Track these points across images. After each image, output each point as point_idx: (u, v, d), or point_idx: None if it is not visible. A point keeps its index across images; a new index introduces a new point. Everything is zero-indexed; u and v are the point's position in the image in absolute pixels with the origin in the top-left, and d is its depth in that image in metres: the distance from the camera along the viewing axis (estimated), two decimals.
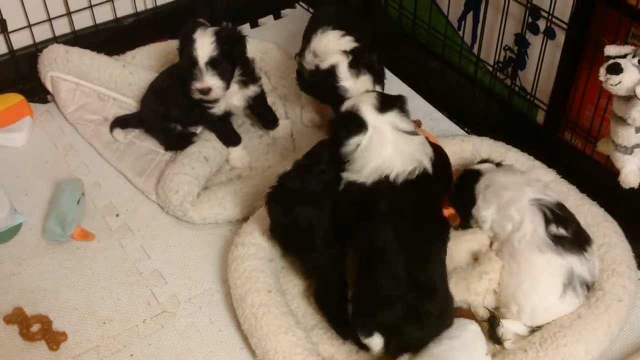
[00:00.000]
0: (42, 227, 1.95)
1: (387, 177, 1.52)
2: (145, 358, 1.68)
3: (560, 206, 1.67)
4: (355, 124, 1.56)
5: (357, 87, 1.88)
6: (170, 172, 2.01)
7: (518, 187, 1.68)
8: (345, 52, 1.91)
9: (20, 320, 1.73)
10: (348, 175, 1.58)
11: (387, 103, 1.59)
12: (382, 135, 1.56)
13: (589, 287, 1.64)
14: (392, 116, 1.58)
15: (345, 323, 1.64)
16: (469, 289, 1.65)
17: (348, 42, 1.94)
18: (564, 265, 1.59)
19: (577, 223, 1.68)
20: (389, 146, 1.55)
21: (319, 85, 1.96)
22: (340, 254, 1.68)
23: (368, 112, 1.57)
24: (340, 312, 1.65)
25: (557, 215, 1.63)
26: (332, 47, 1.93)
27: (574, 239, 1.62)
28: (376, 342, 1.52)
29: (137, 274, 1.86)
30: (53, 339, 1.70)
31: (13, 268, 1.87)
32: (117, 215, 2.02)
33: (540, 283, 1.59)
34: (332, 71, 1.90)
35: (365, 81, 1.91)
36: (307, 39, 2.08)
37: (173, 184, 1.97)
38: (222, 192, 1.99)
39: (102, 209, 2.03)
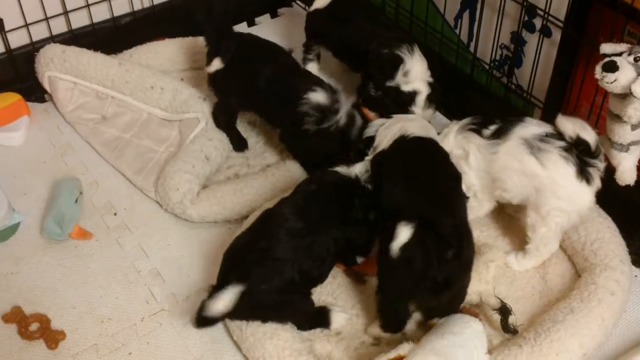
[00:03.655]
0: (40, 226, 1.96)
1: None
2: (144, 356, 1.69)
3: (474, 117, 1.85)
4: None
5: (425, 115, 2.13)
6: (170, 170, 2.01)
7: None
8: (428, 84, 2.11)
9: (18, 319, 1.73)
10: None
11: None
12: None
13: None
14: None
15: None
16: (479, 279, 1.68)
17: (429, 75, 2.12)
18: (517, 142, 1.70)
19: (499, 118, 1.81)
20: None
21: (392, 103, 2.10)
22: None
23: None
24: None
25: (480, 122, 1.80)
26: (422, 75, 2.10)
27: (504, 122, 1.76)
28: (405, 232, 1.49)
29: (135, 273, 1.87)
30: (51, 337, 1.70)
31: (11, 267, 1.87)
32: (115, 214, 2.02)
33: (513, 165, 1.71)
34: (412, 96, 2.10)
35: (429, 113, 2.16)
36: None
37: (173, 181, 1.98)
38: (221, 191, 2.00)
39: (100, 208, 2.04)
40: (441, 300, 1.57)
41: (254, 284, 1.57)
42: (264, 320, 1.64)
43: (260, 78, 2.00)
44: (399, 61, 2.09)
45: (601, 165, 1.67)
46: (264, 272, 1.58)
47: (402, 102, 2.10)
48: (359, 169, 1.73)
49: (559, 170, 1.65)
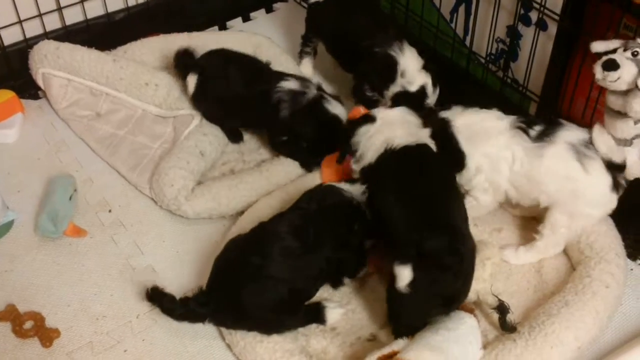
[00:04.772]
0: (34, 224, 1.95)
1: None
2: (139, 353, 1.68)
3: (519, 116, 1.78)
4: None
5: (432, 101, 2.11)
6: (165, 166, 2.00)
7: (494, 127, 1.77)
8: (425, 69, 2.08)
9: (13, 317, 1.73)
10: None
11: None
12: None
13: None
14: None
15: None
16: (476, 277, 1.66)
17: (420, 60, 2.10)
18: (564, 147, 1.67)
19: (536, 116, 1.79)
20: None
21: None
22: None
23: None
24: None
25: (526, 122, 1.74)
26: (417, 66, 2.08)
27: (547, 124, 1.73)
28: (406, 274, 1.50)
29: (130, 270, 1.86)
30: (46, 335, 1.70)
31: (5, 265, 1.87)
32: (110, 211, 2.02)
33: (558, 169, 1.68)
34: (422, 91, 2.07)
35: (437, 94, 2.12)
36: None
37: (168, 177, 1.97)
38: (216, 187, 1.99)
39: (94, 205, 2.03)
40: (451, 310, 1.58)
41: (246, 299, 1.58)
42: (249, 330, 1.64)
43: (235, 87, 2.08)
44: (394, 62, 2.08)
45: (625, 176, 1.70)
46: (256, 288, 1.58)
47: (416, 101, 2.07)
48: (357, 190, 1.72)
49: (600, 178, 1.67)
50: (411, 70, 2.08)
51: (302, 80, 2.07)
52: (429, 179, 1.68)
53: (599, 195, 1.69)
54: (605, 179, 1.67)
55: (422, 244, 1.49)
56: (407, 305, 1.55)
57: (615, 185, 1.68)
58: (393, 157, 1.70)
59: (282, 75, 2.07)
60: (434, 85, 2.10)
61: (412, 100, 2.08)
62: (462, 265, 1.52)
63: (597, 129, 1.68)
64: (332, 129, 1.99)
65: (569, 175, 1.68)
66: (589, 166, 1.66)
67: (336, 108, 2.02)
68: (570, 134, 1.69)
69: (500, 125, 1.76)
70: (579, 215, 1.72)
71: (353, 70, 2.21)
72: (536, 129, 1.72)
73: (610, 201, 1.71)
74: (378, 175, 1.72)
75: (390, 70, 2.09)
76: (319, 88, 2.06)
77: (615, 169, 1.67)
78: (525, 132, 1.72)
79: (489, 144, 1.74)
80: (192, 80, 2.12)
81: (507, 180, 1.76)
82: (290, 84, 2.02)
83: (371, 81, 2.13)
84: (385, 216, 1.63)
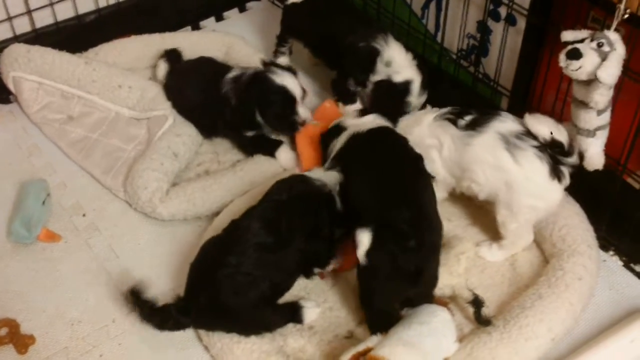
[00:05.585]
0: (7, 230, 1.93)
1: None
2: (115, 358, 1.68)
3: (452, 108, 1.83)
4: None
5: (417, 104, 2.09)
6: (139, 168, 1.99)
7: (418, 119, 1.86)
8: (418, 68, 2.06)
9: None
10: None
11: None
12: None
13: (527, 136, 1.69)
14: None
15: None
16: (451, 272, 1.68)
17: (412, 57, 2.09)
18: (493, 136, 1.69)
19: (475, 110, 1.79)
20: None
21: (383, 96, 2.07)
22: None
23: None
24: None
25: (457, 112, 1.78)
26: (407, 61, 2.07)
27: (480, 114, 1.75)
28: (365, 239, 1.53)
29: (106, 274, 1.85)
30: (21, 342, 1.68)
31: None
32: (84, 215, 2.00)
33: (486, 158, 1.70)
34: (407, 86, 2.04)
35: (423, 99, 2.10)
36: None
37: (142, 180, 1.96)
38: (191, 188, 1.99)
39: (68, 209, 2.01)
40: (419, 288, 1.58)
41: (226, 299, 1.57)
42: (229, 331, 1.64)
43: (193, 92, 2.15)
44: (375, 53, 2.08)
45: (573, 161, 1.69)
46: (236, 287, 1.58)
47: (397, 94, 2.07)
48: (331, 178, 1.73)
49: (533, 168, 1.66)
50: (399, 61, 2.07)
51: (247, 67, 2.11)
52: (395, 156, 1.72)
53: (535, 186, 1.68)
54: (540, 168, 1.66)
55: (382, 214, 1.53)
56: (373, 279, 1.56)
57: (556, 174, 1.67)
58: (360, 139, 1.77)
59: (229, 69, 2.11)
60: (422, 87, 2.09)
61: (393, 93, 2.07)
62: (424, 238, 1.52)
63: (530, 117, 1.69)
64: (280, 98, 2.01)
65: (499, 166, 1.69)
66: (519, 157, 1.67)
67: (283, 78, 2.02)
68: (503, 124, 1.70)
69: (425, 117, 1.82)
70: (521, 207, 1.71)
71: (337, 67, 2.21)
72: (466, 119, 1.75)
73: (552, 191, 1.69)
74: (346, 156, 1.77)
75: (371, 60, 2.08)
76: (272, 63, 2.09)
77: (558, 151, 1.66)
78: (453, 122, 1.76)
79: (413, 133, 1.81)
80: (162, 66, 2.23)
81: (441, 168, 1.80)
82: (232, 73, 2.07)
83: (354, 76, 2.13)
84: (352, 194, 1.67)
